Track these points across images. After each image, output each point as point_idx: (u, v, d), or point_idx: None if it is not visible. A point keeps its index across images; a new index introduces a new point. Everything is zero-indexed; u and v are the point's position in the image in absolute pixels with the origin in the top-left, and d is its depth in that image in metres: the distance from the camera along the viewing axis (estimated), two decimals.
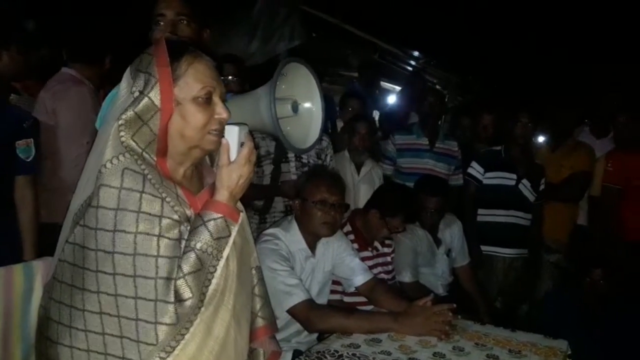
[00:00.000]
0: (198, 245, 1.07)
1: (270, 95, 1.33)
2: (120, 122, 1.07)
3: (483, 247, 3.29)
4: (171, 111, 1.09)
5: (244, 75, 2.84)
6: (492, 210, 3.28)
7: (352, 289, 2.33)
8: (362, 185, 3.29)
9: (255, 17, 5.02)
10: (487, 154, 3.40)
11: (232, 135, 1.15)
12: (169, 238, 1.06)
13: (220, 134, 1.15)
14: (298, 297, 1.94)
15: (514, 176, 3.23)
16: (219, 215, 1.11)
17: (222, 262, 1.11)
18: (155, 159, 1.11)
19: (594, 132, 3.64)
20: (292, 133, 1.47)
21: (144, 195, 1.05)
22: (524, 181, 3.21)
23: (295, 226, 2.18)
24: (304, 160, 2.67)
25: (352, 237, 2.61)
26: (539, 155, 3.40)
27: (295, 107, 1.47)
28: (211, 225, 1.09)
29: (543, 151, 3.45)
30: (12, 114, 2.28)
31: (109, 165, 1.06)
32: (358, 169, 3.31)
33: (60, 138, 2.52)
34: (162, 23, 1.62)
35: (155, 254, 1.04)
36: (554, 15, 4.37)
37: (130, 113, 1.07)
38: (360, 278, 2.24)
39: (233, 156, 1.15)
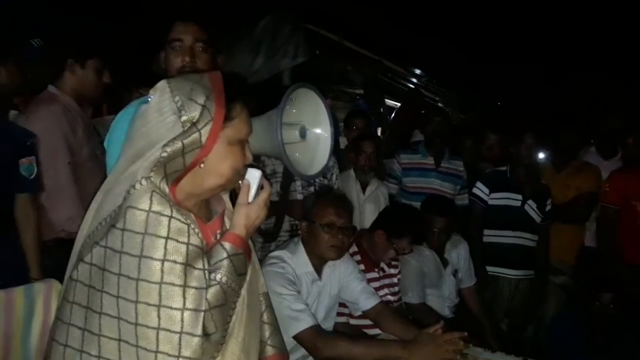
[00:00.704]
0: (224, 280, 1.06)
1: (277, 121, 1.32)
2: (167, 149, 1.05)
3: (489, 268, 3.25)
4: (211, 150, 1.09)
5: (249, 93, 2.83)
6: (498, 231, 3.25)
7: (359, 313, 2.29)
8: (367, 205, 3.27)
9: (259, 34, 5.05)
10: (492, 175, 3.38)
11: (254, 178, 1.19)
12: (194, 267, 1.04)
13: (242, 175, 1.17)
14: (305, 323, 1.90)
15: (520, 197, 3.20)
16: (241, 251, 1.12)
17: (240, 299, 1.11)
18: (169, 186, 1.09)
19: (601, 153, 3.62)
20: (300, 159, 1.45)
21: (172, 220, 1.03)
22: (530, 202, 3.19)
23: (301, 248, 2.15)
24: (310, 180, 2.65)
25: (358, 257, 2.58)
26: (544, 176, 3.37)
27: (303, 133, 1.45)
28: (236, 260, 1.09)
29: (548, 172, 3.42)
30: (16, 132, 2.25)
31: (138, 186, 1.03)
32: (364, 188, 3.30)
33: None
34: (179, 48, 1.60)
35: (183, 283, 1.01)
36: (556, 33, 4.38)
37: (178, 145, 1.05)
38: (367, 302, 2.21)
39: (251, 197, 1.18)
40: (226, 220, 1.26)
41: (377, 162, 3.35)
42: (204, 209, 1.22)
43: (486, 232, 3.30)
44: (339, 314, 2.41)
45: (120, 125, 1.62)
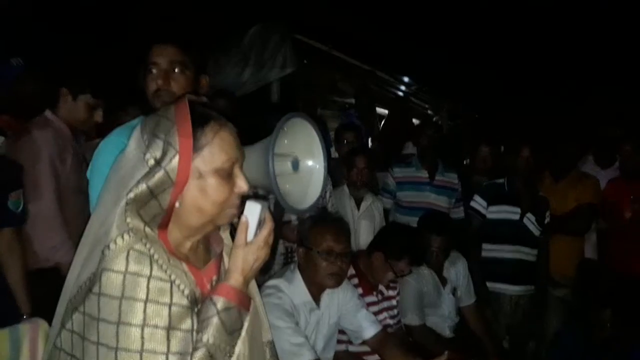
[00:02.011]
0: (211, 341, 0.95)
1: (269, 152, 1.23)
2: (130, 195, 0.95)
3: (489, 284, 3.18)
4: (183, 187, 0.98)
5: (237, 111, 2.77)
6: (496, 245, 3.19)
7: (360, 341, 2.20)
8: (362, 221, 3.20)
9: (248, 45, 4.99)
10: (490, 187, 3.31)
11: (254, 212, 1.05)
12: (180, 329, 0.94)
13: (238, 208, 1.05)
14: (305, 358, 1.82)
15: (518, 210, 3.14)
16: (233, 304, 1.00)
17: (233, 358, 1.00)
18: (157, 232, 0.99)
19: (599, 162, 3.59)
20: (291, 191, 1.37)
21: (151, 280, 0.93)
22: (529, 215, 3.13)
23: (298, 276, 2.06)
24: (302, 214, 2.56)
25: (355, 281, 2.49)
26: (543, 187, 3.32)
27: (295, 164, 1.36)
28: (225, 316, 0.98)
29: (547, 183, 3.37)
30: (4, 164, 2.19)
31: (112, 246, 0.94)
32: (358, 204, 3.22)
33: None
34: (154, 72, 1.52)
35: (165, 350, 0.91)
36: (551, 41, 4.36)
37: (142, 187, 0.96)
38: (369, 331, 2.14)
39: (251, 236, 1.05)
40: (225, 258, 1.17)
41: (370, 177, 3.28)
42: (203, 252, 1.13)
43: (485, 246, 3.23)
44: (338, 342, 2.33)
45: (103, 154, 1.55)
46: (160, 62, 1.52)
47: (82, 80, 2.44)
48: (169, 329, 0.92)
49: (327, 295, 2.13)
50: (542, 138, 3.58)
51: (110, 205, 0.99)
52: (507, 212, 3.17)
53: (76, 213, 2.33)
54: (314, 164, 1.39)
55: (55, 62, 3.13)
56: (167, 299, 0.93)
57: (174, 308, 0.93)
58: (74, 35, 3.48)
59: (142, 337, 0.90)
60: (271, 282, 2.05)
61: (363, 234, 3.14)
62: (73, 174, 2.36)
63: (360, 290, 2.43)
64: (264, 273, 2.47)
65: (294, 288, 2.03)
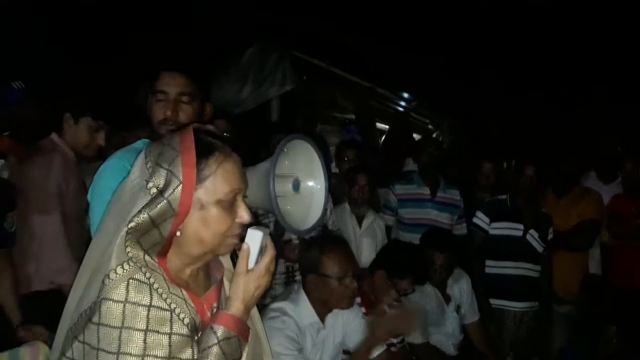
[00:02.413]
0: None
1: (270, 174, 1.22)
2: (131, 225, 0.95)
3: (492, 301, 3.17)
4: (185, 217, 0.98)
5: (236, 131, 2.77)
6: (500, 262, 3.18)
7: None
8: (364, 239, 3.19)
9: (247, 62, 5.02)
10: (492, 204, 3.31)
11: (255, 240, 1.05)
12: (180, 359, 0.93)
13: (239, 237, 1.05)
14: None
15: (521, 226, 3.14)
16: (234, 334, 0.99)
17: None
18: (157, 260, 0.99)
19: (601, 178, 3.59)
20: (292, 212, 1.36)
21: (151, 310, 0.92)
22: (532, 231, 3.12)
23: (304, 297, 2.04)
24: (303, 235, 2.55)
25: (358, 299, 2.46)
26: (545, 203, 3.32)
27: (296, 185, 1.36)
28: (225, 346, 0.97)
29: (550, 199, 3.37)
30: (3, 186, 2.20)
31: (112, 275, 0.93)
32: (360, 221, 3.21)
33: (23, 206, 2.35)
34: (161, 99, 1.51)
35: None
36: (551, 56, 4.38)
37: (144, 216, 0.95)
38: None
39: (252, 263, 1.05)
40: (226, 283, 1.16)
41: (372, 194, 3.27)
42: (203, 278, 1.12)
43: (488, 262, 3.22)
44: None
45: (104, 178, 1.53)
46: (169, 92, 1.52)
47: (83, 103, 2.45)
48: (170, 358, 0.92)
49: (331, 316, 2.11)
50: (544, 153, 3.57)
51: (111, 232, 0.98)
52: (509, 228, 3.16)
53: (77, 238, 2.34)
54: (315, 184, 1.38)
55: (56, 81, 3.14)
56: (167, 329, 0.93)
57: (174, 337, 0.93)
58: (73, 52, 3.50)
59: None
60: (275, 305, 2.02)
61: (365, 251, 3.12)
62: (76, 199, 2.36)
63: (363, 309, 2.40)
64: (264, 296, 2.45)
65: (300, 310, 2.01)
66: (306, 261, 2.08)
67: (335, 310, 2.10)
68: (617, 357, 2.63)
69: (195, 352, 0.96)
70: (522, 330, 3.17)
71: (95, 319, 0.91)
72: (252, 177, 1.27)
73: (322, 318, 2.08)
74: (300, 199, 1.36)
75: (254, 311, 1.21)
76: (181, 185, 0.95)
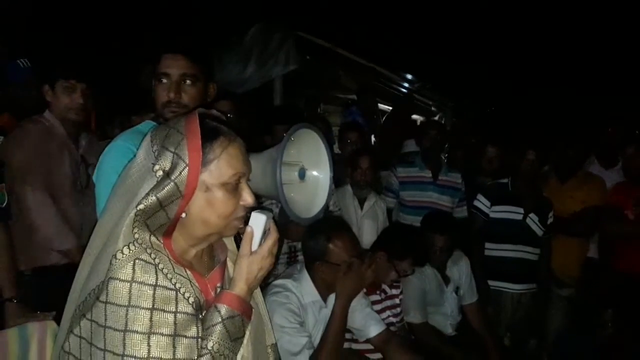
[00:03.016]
0: (215, 347, 0.99)
1: (277, 162, 1.25)
2: (140, 207, 0.98)
3: (490, 282, 3.21)
4: (190, 198, 1.01)
5: (240, 112, 2.78)
6: (499, 244, 3.21)
7: (364, 339, 2.23)
8: (366, 221, 3.21)
9: (250, 42, 4.99)
10: (493, 187, 3.33)
11: (259, 223, 1.08)
12: (185, 336, 0.96)
13: (244, 220, 1.07)
14: (303, 357, 1.85)
15: (521, 210, 3.16)
16: (237, 313, 1.03)
17: (245, 355, 1.04)
18: (162, 240, 1.02)
19: (602, 163, 3.58)
20: (297, 200, 1.39)
21: (157, 289, 0.95)
22: (532, 215, 3.14)
23: (306, 276, 2.08)
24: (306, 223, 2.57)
25: None
26: (548, 187, 3.33)
27: (302, 174, 1.39)
28: (229, 324, 1.01)
29: (552, 183, 3.38)
30: None
31: (119, 255, 0.96)
32: (361, 203, 3.24)
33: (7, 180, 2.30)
34: (164, 81, 1.52)
35: (171, 357, 0.94)
36: (551, 42, 4.35)
37: (152, 199, 0.98)
38: (373, 329, 2.17)
39: (255, 246, 1.08)
40: (229, 265, 1.19)
41: (374, 177, 3.29)
42: (207, 259, 1.15)
43: (487, 245, 3.25)
44: None
45: (109, 159, 1.55)
46: (172, 74, 1.52)
47: (53, 68, 2.38)
48: (175, 336, 0.95)
49: (333, 295, 2.15)
50: (547, 138, 3.57)
51: (118, 213, 1.01)
52: (510, 212, 3.19)
53: (74, 213, 2.34)
54: (320, 173, 1.41)
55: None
56: (172, 307, 0.96)
57: (179, 316, 0.96)
58: (76, 36, 3.49)
59: (149, 345, 0.92)
60: (279, 282, 2.07)
61: (366, 233, 3.15)
62: (66, 172, 2.35)
63: (363, 290, 2.45)
64: (268, 277, 2.49)
65: (302, 288, 2.05)
66: (312, 249, 2.08)
67: None
68: (614, 340, 2.66)
69: (200, 330, 0.99)
70: (519, 312, 3.22)
71: (102, 297, 0.95)
72: (258, 164, 1.30)
73: (324, 297, 2.12)
74: (305, 187, 1.39)
75: (257, 292, 1.25)
76: (187, 167, 0.98)
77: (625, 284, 3.03)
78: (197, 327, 0.99)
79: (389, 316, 2.59)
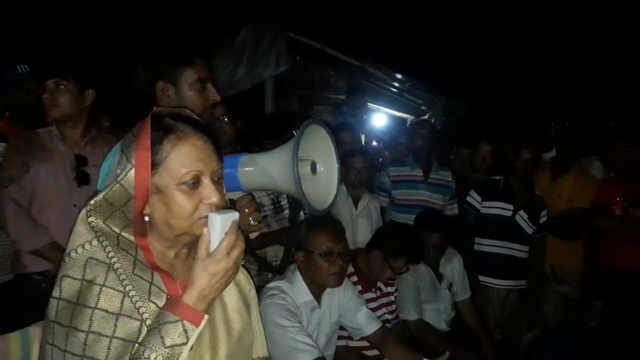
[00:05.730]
0: (146, 354, 0.93)
1: (293, 157, 1.28)
2: (88, 207, 1.00)
3: (479, 277, 3.26)
4: (145, 200, 1.00)
5: (234, 113, 2.80)
6: (487, 240, 3.26)
7: (359, 337, 2.27)
8: (360, 220, 3.25)
9: (241, 43, 5.00)
10: (485, 183, 3.38)
11: (215, 225, 0.99)
12: (123, 339, 0.94)
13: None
14: (310, 355, 1.88)
15: (511, 207, 3.21)
16: (176, 318, 0.95)
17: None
18: (134, 240, 1.02)
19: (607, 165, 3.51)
20: (312, 193, 1.43)
21: (103, 289, 0.95)
22: (521, 212, 3.19)
23: (299, 277, 2.12)
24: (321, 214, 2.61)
25: (355, 278, 2.56)
26: (539, 184, 3.34)
27: (313, 168, 1.43)
28: (164, 330, 0.94)
29: (543, 179, 3.40)
30: None
31: (73, 254, 0.98)
32: (355, 203, 3.27)
33: None
34: (209, 86, 1.60)
35: (104, 358, 0.93)
36: (543, 37, 4.40)
37: (98, 199, 1.00)
38: (368, 328, 2.20)
39: (212, 248, 1.00)
40: None
41: (368, 176, 3.33)
42: (191, 260, 1.08)
43: (476, 240, 3.31)
44: (339, 337, 2.38)
45: (106, 162, 1.59)
46: (210, 77, 1.61)
47: (45, 68, 2.37)
48: (112, 338, 0.93)
49: (327, 295, 2.19)
50: (541, 136, 3.60)
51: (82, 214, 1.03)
52: (499, 208, 3.24)
53: (68, 210, 2.32)
54: (329, 167, 1.45)
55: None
56: (115, 309, 0.95)
57: (120, 319, 0.95)
58: (74, 37, 3.48)
59: (85, 343, 0.93)
60: (273, 284, 2.10)
61: (361, 232, 3.19)
62: (60, 174, 2.34)
63: (359, 287, 2.49)
64: (260, 272, 2.53)
65: (295, 289, 2.08)
66: (297, 237, 2.15)
67: (330, 290, 2.17)
68: (604, 332, 2.69)
69: (142, 335, 0.96)
70: (508, 308, 3.28)
71: (55, 293, 0.96)
72: (271, 161, 1.34)
73: (317, 298, 2.15)
74: (317, 181, 1.43)
75: (253, 299, 1.25)
76: (133, 168, 0.98)
77: (614, 280, 3.06)
78: (140, 331, 0.96)
79: (384, 313, 2.63)
